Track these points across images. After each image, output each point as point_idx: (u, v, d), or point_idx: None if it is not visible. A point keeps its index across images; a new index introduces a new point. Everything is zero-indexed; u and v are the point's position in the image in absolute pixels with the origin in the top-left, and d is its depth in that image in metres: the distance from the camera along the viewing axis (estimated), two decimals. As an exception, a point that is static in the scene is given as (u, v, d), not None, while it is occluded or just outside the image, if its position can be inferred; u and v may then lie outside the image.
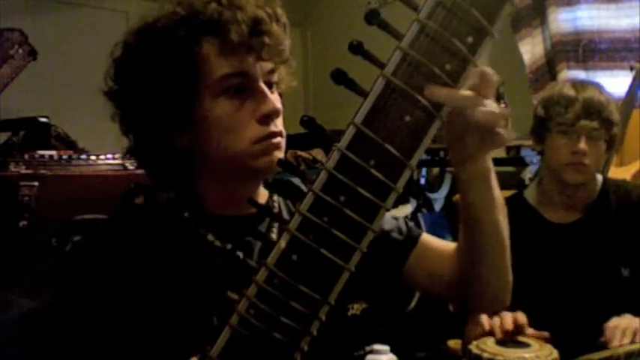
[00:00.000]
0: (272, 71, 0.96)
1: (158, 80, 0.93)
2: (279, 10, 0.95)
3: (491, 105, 0.77)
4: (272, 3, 0.94)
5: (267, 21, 0.92)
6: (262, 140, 0.93)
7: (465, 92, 0.69)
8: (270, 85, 0.96)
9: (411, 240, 1.10)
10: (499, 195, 0.99)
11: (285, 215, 1.03)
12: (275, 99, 0.96)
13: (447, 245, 1.10)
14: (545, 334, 1.50)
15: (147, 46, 0.94)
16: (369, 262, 0.70)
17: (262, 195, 1.05)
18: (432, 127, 0.66)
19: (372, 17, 0.64)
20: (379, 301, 1.11)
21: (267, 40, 0.91)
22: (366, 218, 0.67)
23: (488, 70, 0.73)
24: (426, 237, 1.12)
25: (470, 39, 0.63)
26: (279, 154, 0.95)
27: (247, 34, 0.90)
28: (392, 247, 1.08)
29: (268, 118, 0.93)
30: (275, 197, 1.07)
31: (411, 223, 1.14)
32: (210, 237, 0.98)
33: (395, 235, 1.09)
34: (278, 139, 0.95)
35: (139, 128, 0.99)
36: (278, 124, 0.95)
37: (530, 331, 1.51)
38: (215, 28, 0.91)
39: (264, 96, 0.93)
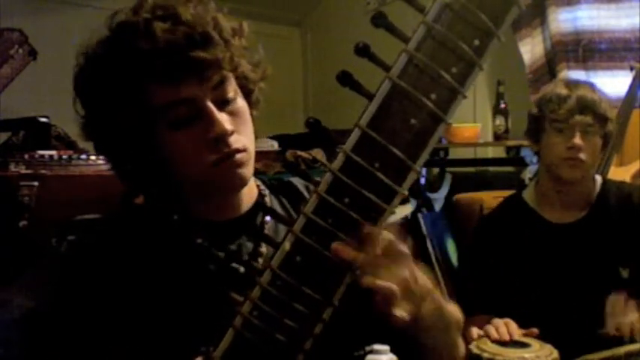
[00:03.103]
0: (220, 84, 0.92)
1: (110, 112, 0.92)
2: (210, 28, 0.91)
3: (383, 274, 0.72)
4: (202, 20, 0.91)
5: (196, 42, 0.89)
6: (219, 163, 0.91)
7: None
8: (222, 102, 0.93)
9: None
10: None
11: (280, 211, 1.03)
12: (230, 116, 0.93)
13: None
14: (534, 330, 1.51)
15: (94, 78, 0.93)
16: None
17: (250, 194, 1.03)
18: (438, 130, 0.66)
19: (379, 19, 0.63)
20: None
21: (201, 59, 0.88)
22: (370, 221, 0.67)
23: (379, 232, 0.69)
24: None
25: (476, 42, 0.63)
26: (243, 170, 0.92)
27: (177, 63, 0.87)
28: None
29: (218, 142, 0.90)
30: (267, 195, 1.06)
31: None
32: (199, 240, 0.97)
33: None
34: (237, 157, 0.91)
35: (110, 155, 1.00)
36: (233, 142, 0.91)
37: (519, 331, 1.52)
38: (145, 61, 0.88)
39: (211, 120, 0.90)
